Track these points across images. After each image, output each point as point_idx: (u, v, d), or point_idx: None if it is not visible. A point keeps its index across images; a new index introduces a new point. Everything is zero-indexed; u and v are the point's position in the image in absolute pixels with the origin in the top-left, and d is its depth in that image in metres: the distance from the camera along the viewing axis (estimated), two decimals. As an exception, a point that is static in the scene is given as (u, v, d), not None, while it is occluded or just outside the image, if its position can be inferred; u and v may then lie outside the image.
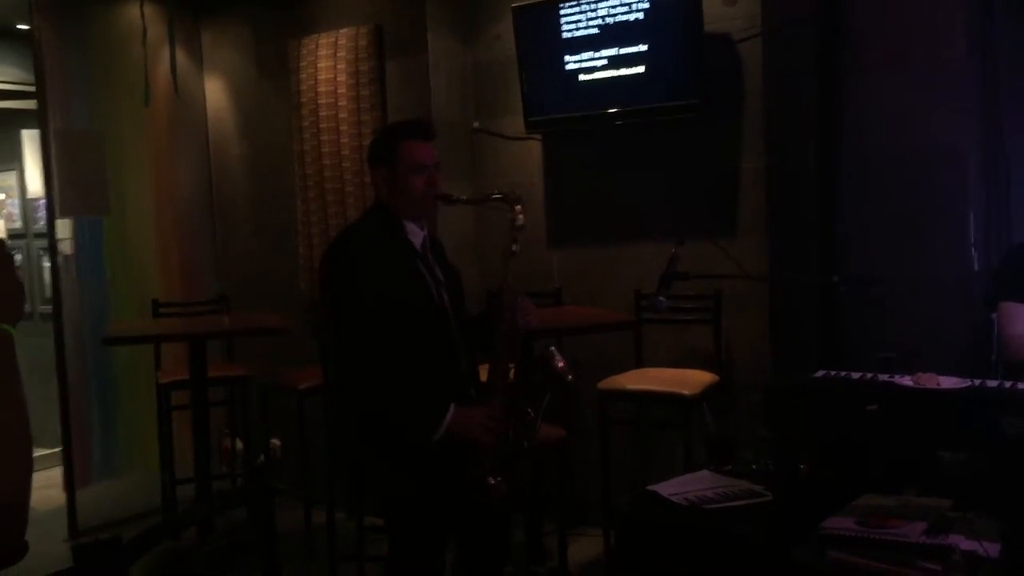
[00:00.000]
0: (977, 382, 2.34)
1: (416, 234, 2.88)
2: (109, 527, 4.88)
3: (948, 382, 2.33)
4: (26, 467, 1.20)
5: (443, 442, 2.69)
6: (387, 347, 2.70)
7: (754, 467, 2.54)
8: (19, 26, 5.47)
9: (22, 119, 6.38)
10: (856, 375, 2.48)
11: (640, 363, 4.35)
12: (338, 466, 4.01)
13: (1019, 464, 2.08)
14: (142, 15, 4.84)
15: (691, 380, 3.98)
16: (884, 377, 2.43)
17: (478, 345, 2.90)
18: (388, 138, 2.94)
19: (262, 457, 5.18)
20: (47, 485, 5.33)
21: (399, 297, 2.75)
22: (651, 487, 2.47)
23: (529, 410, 2.77)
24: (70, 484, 4.99)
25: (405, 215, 2.85)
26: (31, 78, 5.18)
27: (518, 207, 2.80)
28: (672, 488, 2.43)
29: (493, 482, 2.71)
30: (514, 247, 2.82)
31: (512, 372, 2.82)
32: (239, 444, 5.31)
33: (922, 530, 1.92)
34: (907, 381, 2.36)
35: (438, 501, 2.75)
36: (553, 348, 2.81)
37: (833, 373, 2.54)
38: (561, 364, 2.78)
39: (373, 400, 2.76)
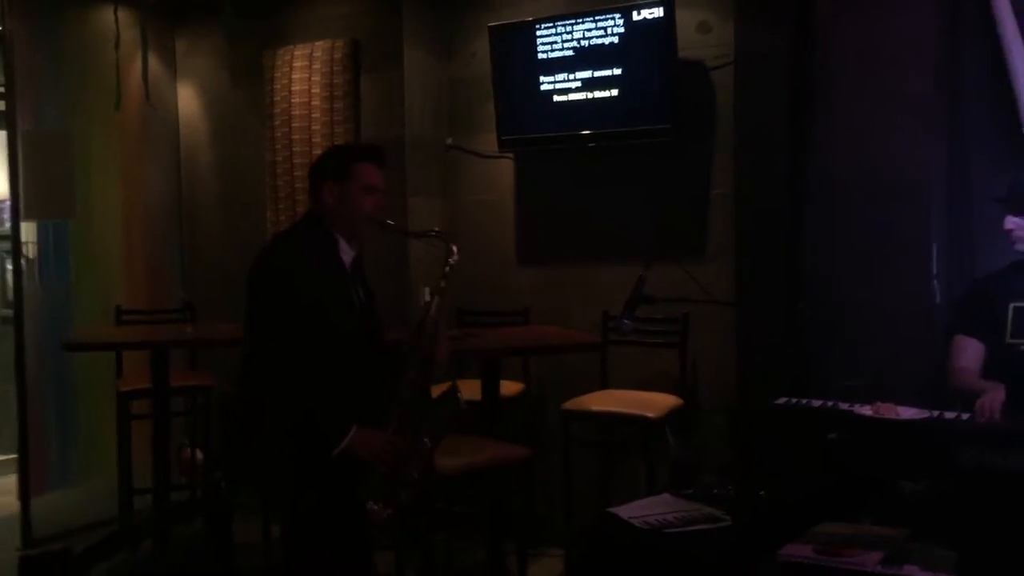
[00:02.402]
0: (935, 413, 2.37)
1: (347, 253, 2.91)
2: (64, 536, 4.79)
3: (907, 412, 2.36)
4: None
5: (341, 459, 2.71)
6: (306, 361, 2.70)
7: (715, 491, 2.55)
8: (-9, 26, 5.42)
9: (-10, 120, 6.31)
10: (817, 403, 2.51)
11: (605, 384, 4.36)
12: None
13: (975, 495, 2.11)
14: (116, 20, 4.80)
15: (656, 403, 3.99)
16: (844, 406, 2.45)
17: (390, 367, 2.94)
18: (344, 155, 2.99)
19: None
20: (1, 492, 5.23)
21: (328, 314, 2.77)
22: (612, 509, 2.48)
23: (426, 440, 2.81)
24: (25, 492, 4.89)
25: (342, 232, 2.88)
26: (1, 79, 5.13)
27: (454, 247, 2.92)
28: (633, 511, 2.44)
29: (375, 508, 2.73)
30: (443, 283, 2.93)
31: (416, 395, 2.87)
32: (199, 455, 5.25)
33: (878, 559, 1.94)
34: (866, 410, 2.38)
35: (336, 514, 2.76)
36: (460, 393, 2.90)
37: (794, 401, 2.55)
38: (464, 405, 2.90)
39: (283, 409, 2.76)
